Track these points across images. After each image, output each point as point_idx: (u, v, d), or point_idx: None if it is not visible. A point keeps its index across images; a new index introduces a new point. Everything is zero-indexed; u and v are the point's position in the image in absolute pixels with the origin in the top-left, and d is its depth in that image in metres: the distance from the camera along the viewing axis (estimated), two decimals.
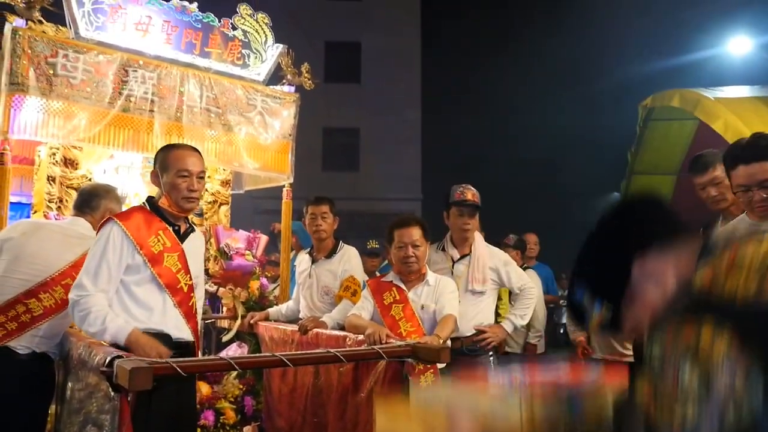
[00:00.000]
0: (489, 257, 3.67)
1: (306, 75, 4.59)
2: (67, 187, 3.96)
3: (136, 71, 3.75)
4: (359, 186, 16.98)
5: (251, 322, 3.96)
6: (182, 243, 2.71)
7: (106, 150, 3.92)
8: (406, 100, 17.79)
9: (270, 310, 4.08)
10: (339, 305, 3.63)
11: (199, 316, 2.85)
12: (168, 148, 2.81)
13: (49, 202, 3.90)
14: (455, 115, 19.27)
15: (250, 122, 4.25)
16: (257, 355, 3.67)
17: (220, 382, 3.85)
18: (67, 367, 2.81)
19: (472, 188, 3.69)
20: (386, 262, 6.06)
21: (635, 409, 0.97)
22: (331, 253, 3.85)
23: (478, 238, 3.73)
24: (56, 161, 3.96)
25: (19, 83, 3.33)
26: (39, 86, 3.40)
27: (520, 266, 4.50)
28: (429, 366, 2.90)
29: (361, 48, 18.11)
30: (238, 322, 4.07)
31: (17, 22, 3.42)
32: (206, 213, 4.65)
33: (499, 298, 4.15)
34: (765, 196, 2.31)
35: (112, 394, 2.08)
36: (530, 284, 3.77)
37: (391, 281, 3.35)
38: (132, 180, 4.23)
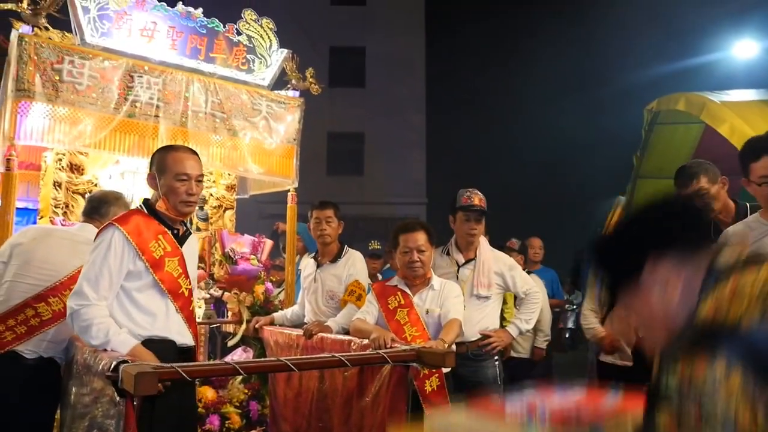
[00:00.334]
0: (494, 262, 3.66)
1: (311, 80, 4.60)
2: (73, 192, 3.99)
3: (141, 77, 3.76)
4: (364, 190, 16.99)
5: (256, 326, 3.96)
6: (181, 247, 2.68)
7: (112, 155, 3.93)
8: (410, 104, 17.81)
9: (275, 314, 4.08)
10: (344, 310, 3.62)
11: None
12: (165, 150, 2.75)
13: (56, 207, 3.92)
14: (460, 120, 19.27)
15: (255, 127, 4.26)
16: (262, 359, 3.67)
17: (225, 387, 3.86)
18: (72, 371, 2.81)
19: (479, 193, 3.68)
20: (388, 265, 6.06)
21: None
22: (336, 258, 3.85)
23: (483, 242, 3.72)
24: (62, 167, 3.98)
25: (25, 89, 3.35)
26: (45, 92, 3.41)
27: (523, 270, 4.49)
28: (434, 370, 2.90)
29: (366, 52, 18.14)
30: (243, 326, 4.08)
31: (23, 28, 3.44)
32: (211, 218, 4.67)
33: (504, 303, 4.14)
34: None
35: (118, 399, 2.09)
36: (535, 288, 3.76)
37: (396, 285, 3.35)
38: (138, 185, 4.25)
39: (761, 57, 10.93)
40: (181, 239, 2.71)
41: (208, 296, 4.29)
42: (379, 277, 5.76)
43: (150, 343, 2.48)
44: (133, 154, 3.80)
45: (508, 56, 18.28)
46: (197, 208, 4.22)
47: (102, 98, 3.61)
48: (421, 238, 3.26)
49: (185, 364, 2.20)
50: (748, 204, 2.95)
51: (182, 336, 2.64)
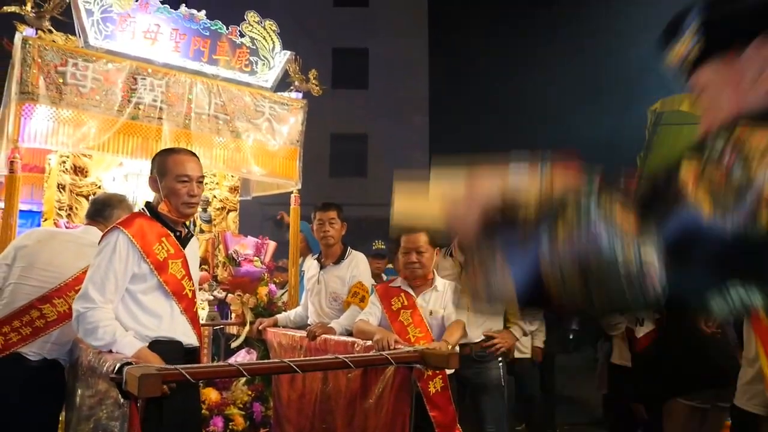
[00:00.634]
0: None
1: (313, 81, 4.60)
2: (77, 194, 3.99)
3: (144, 79, 3.77)
4: (367, 192, 16.98)
5: (260, 328, 3.96)
6: (183, 249, 2.70)
7: (116, 158, 3.94)
8: (413, 105, 17.80)
9: (278, 316, 4.08)
10: (347, 311, 3.62)
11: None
12: (166, 153, 2.78)
13: (59, 209, 3.92)
14: (463, 121, 19.26)
15: (258, 129, 4.26)
16: (266, 361, 3.67)
17: (229, 389, 3.85)
18: (76, 373, 2.82)
19: None
20: (391, 264, 6.06)
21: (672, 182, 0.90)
22: (339, 259, 3.85)
23: None
24: (66, 169, 3.98)
25: (29, 92, 3.36)
26: (49, 95, 3.42)
27: None
28: (438, 372, 2.89)
29: (369, 54, 18.14)
30: (247, 328, 4.08)
31: (27, 31, 3.45)
32: (215, 219, 4.67)
33: None
34: None
35: (122, 401, 2.09)
36: None
37: (400, 287, 3.35)
38: (141, 187, 4.25)
39: None
40: (184, 241, 2.73)
41: (211, 298, 4.29)
42: (384, 276, 5.75)
43: (157, 344, 2.50)
44: (136, 157, 3.81)
45: (511, 57, 18.27)
46: (200, 209, 4.23)
47: (105, 100, 3.62)
48: (421, 239, 3.26)
49: (189, 365, 2.20)
50: None
51: (188, 337, 2.66)
